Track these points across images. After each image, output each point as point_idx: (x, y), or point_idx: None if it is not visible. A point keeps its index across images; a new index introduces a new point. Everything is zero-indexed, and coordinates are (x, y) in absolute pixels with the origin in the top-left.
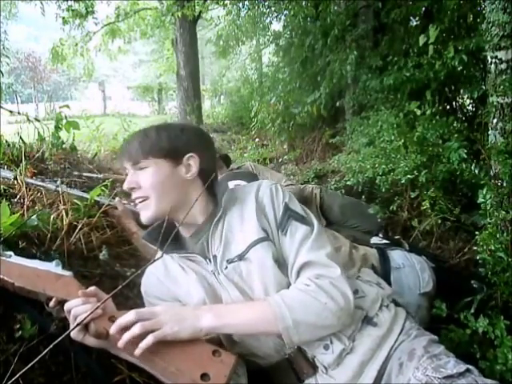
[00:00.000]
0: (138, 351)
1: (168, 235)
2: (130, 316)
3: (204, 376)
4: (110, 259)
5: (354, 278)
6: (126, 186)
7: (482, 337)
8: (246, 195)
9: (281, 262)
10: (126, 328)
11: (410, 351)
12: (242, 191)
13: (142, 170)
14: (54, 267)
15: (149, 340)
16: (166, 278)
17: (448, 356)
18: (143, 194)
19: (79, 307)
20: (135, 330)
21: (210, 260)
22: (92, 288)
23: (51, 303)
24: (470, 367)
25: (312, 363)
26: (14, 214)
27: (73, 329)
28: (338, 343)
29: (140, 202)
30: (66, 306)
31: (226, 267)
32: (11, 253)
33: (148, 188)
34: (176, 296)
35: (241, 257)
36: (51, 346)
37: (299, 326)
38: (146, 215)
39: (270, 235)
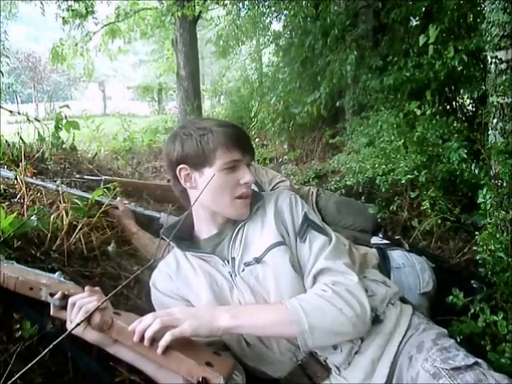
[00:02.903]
0: (159, 350)
1: (184, 233)
2: (148, 319)
3: (208, 364)
4: (111, 258)
5: (361, 277)
6: (253, 179)
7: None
8: (267, 203)
9: (296, 268)
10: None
11: (418, 344)
12: (264, 199)
13: (250, 167)
14: (56, 276)
15: (167, 338)
16: (176, 276)
17: (458, 349)
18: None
19: (85, 299)
20: (155, 325)
21: (228, 261)
22: (96, 287)
23: (57, 295)
24: (479, 360)
25: (325, 365)
26: (13, 213)
27: (83, 320)
28: (346, 342)
29: (247, 199)
30: (71, 299)
31: (243, 270)
32: (13, 262)
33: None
34: (184, 295)
35: (258, 260)
36: (51, 346)
37: (314, 331)
38: (246, 211)
39: (287, 241)
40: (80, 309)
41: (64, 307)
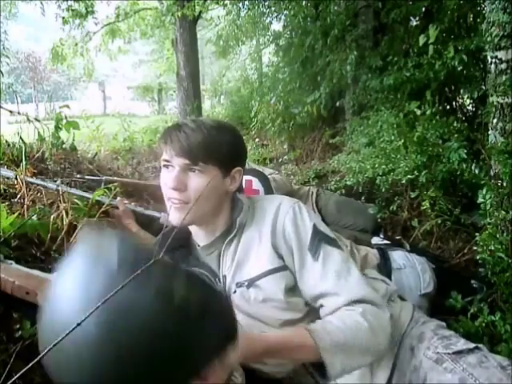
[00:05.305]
0: None
1: (180, 242)
2: None
3: None
4: None
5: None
6: (172, 185)
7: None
8: (265, 214)
9: (298, 287)
10: None
11: (419, 334)
12: (261, 208)
13: (195, 172)
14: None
15: None
16: None
17: (458, 337)
18: (185, 198)
19: None
20: None
21: (219, 279)
22: None
23: None
24: (480, 345)
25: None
26: (13, 213)
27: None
28: None
29: (176, 204)
30: None
31: (235, 291)
32: (12, 262)
33: (194, 194)
34: None
35: (251, 282)
36: (51, 346)
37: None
38: (178, 217)
39: (288, 260)
40: None
41: None
